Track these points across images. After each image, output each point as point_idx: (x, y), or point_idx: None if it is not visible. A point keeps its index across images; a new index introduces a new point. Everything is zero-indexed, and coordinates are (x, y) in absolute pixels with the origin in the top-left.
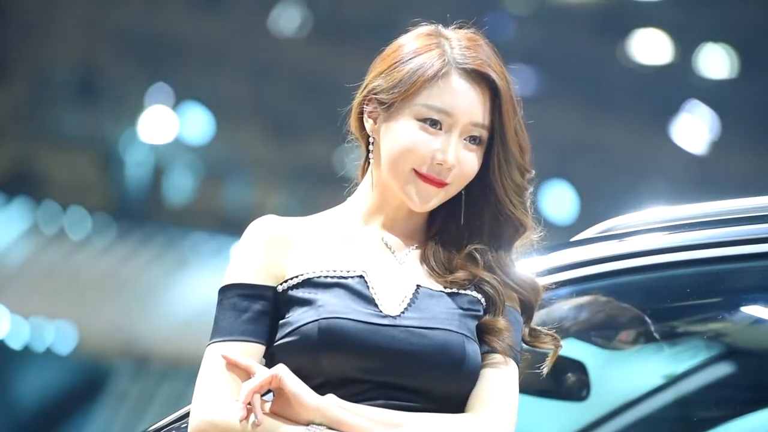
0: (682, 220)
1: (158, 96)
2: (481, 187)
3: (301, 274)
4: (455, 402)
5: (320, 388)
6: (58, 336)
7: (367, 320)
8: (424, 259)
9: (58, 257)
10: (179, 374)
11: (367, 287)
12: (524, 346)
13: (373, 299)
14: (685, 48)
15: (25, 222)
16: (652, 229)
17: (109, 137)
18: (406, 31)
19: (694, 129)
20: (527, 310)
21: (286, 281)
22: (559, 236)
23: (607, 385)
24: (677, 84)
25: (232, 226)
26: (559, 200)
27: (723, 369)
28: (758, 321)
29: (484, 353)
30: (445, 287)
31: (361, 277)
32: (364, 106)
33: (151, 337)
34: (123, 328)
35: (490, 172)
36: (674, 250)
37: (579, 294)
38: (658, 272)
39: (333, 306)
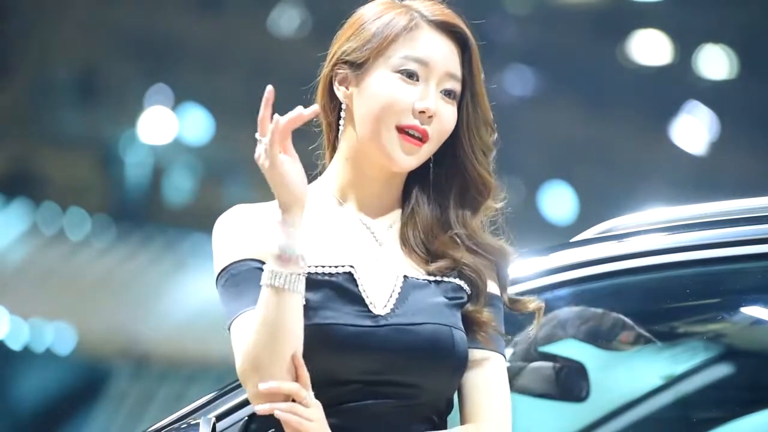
0: (681, 221)
1: (158, 97)
2: (448, 148)
3: None
4: (445, 393)
5: (314, 390)
6: (58, 337)
7: (358, 323)
8: (403, 239)
9: (57, 258)
10: (179, 375)
11: (356, 284)
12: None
13: (363, 298)
14: (685, 49)
15: (25, 223)
16: (652, 230)
17: (109, 138)
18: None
19: (694, 129)
20: (501, 275)
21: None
22: (559, 237)
23: (606, 386)
24: (677, 85)
25: None
26: (558, 201)
27: (722, 370)
28: (758, 322)
29: (470, 348)
30: (429, 274)
31: (349, 273)
32: (335, 71)
33: (151, 338)
34: (122, 328)
35: (460, 129)
36: (674, 250)
37: (579, 295)
38: (657, 273)
39: (323, 310)
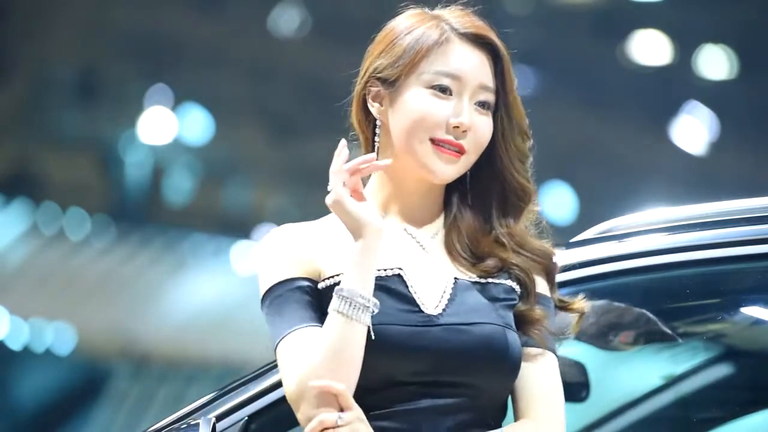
0: (681, 221)
1: (158, 97)
2: (485, 157)
3: (339, 274)
4: (499, 394)
5: (365, 392)
6: (58, 337)
7: (411, 323)
8: (448, 246)
9: (57, 258)
10: (179, 375)
11: (406, 286)
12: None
13: (414, 299)
14: (685, 49)
15: (25, 223)
16: (652, 230)
17: (109, 138)
18: (393, 17)
19: (694, 130)
20: (548, 277)
21: (325, 279)
22: (559, 237)
23: (606, 386)
24: (677, 85)
25: (232, 227)
26: (558, 201)
27: (722, 370)
28: (758, 322)
29: (523, 346)
30: (479, 276)
31: (399, 275)
32: (368, 89)
33: (151, 338)
34: (122, 329)
35: (495, 139)
36: (674, 250)
37: (579, 295)
38: (657, 273)
39: (377, 312)
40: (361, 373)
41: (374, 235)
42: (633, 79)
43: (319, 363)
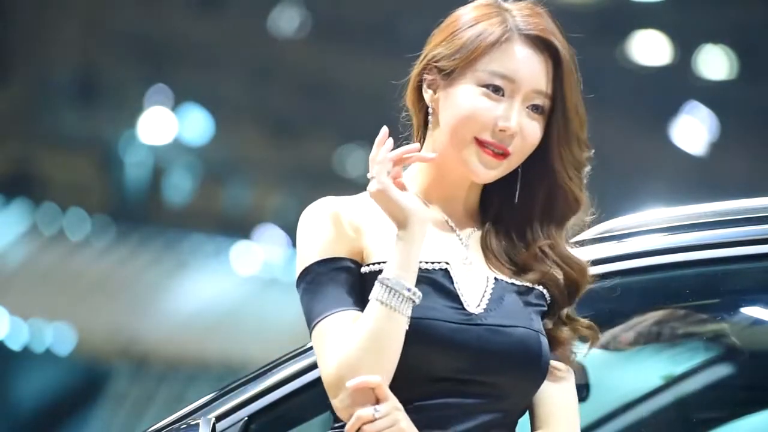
0: (681, 221)
1: (158, 97)
2: (537, 161)
3: (385, 261)
4: (524, 399)
5: (399, 384)
6: (57, 337)
7: (454, 320)
8: (485, 244)
9: (57, 258)
10: (178, 375)
11: (451, 282)
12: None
13: (458, 295)
14: (685, 49)
15: (25, 223)
16: (652, 230)
17: (109, 138)
18: (463, 3)
19: (694, 130)
20: (571, 291)
21: (370, 265)
22: None
23: (606, 386)
24: (676, 85)
25: (232, 227)
26: None
27: (722, 370)
28: (758, 322)
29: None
30: (515, 279)
31: (445, 270)
32: (424, 75)
33: (151, 339)
34: (122, 329)
35: (550, 144)
36: (673, 251)
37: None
38: (657, 273)
39: (420, 305)
40: (402, 365)
41: (420, 226)
42: (633, 80)
43: (359, 352)
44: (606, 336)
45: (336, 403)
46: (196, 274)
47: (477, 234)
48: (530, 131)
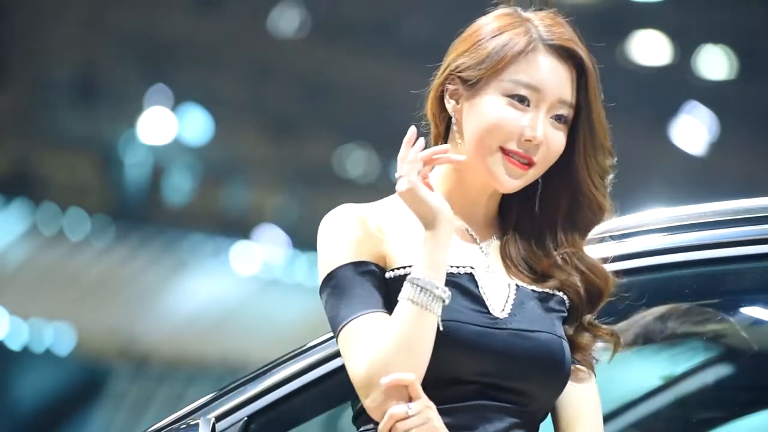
0: (681, 221)
1: (157, 97)
2: (561, 170)
3: (410, 266)
4: (547, 404)
5: (426, 387)
6: (57, 337)
7: (480, 323)
8: (504, 253)
9: (57, 258)
10: (178, 375)
11: (477, 286)
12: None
13: (483, 299)
14: (685, 49)
15: (25, 223)
16: (651, 230)
17: (109, 138)
18: (484, 13)
19: (694, 130)
20: (594, 299)
21: (394, 270)
22: None
23: (606, 386)
24: (676, 85)
25: (231, 227)
26: None
27: (722, 370)
28: (758, 322)
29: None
30: (536, 287)
31: (470, 274)
32: (446, 85)
33: (150, 339)
34: (122, 329)
35: (575, 153)
36: (673, 251)
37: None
38: (657, 273)
39: (447, 308)
40: (429, 367)
41: (448, 226)
42: (632, 80)
43: (391, 352)
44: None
45: (368, 402)
46: (196, 274)
47: (496, 243)
48: (555, 141)
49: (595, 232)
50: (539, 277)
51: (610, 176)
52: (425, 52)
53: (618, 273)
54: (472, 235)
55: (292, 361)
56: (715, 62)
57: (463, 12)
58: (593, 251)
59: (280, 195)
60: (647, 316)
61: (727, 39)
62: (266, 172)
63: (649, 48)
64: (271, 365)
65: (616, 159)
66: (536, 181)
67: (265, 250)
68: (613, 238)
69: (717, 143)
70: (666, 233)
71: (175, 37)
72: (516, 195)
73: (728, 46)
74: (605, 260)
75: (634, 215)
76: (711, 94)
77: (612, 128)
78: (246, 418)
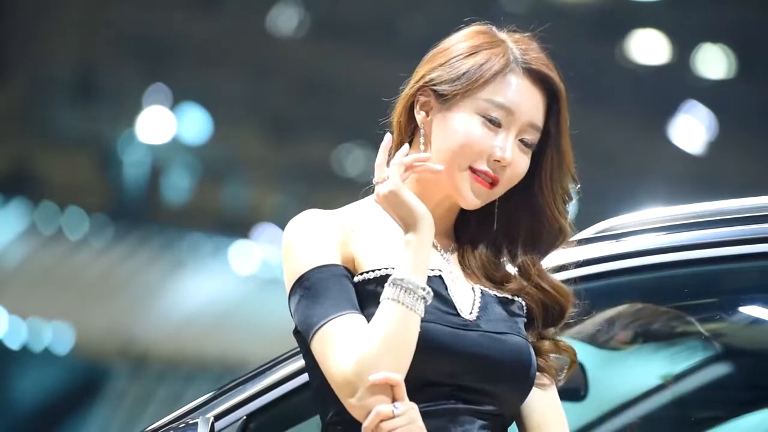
0: (679, 220)
1: (156, 96)
2: (521, 191)
3: (379, 269)
4: (514, 408)
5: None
6: (56, 336)
7: (451, 324)
8: (464, 262)
9: (55, 258)
10: (177, 375)
11: (445, 288)
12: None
13: (452, 301)
14: (683, 48)
15: (23, 222)
16: (650, 229)
17: (107, 138)
18: (456, 30)
19: (692, 129)
20: (556, 315)
21: (363, 273)
22: None
23: (605, 386)
24: (675, 84)
25: (230, 226)
26: None
27: (721, 369)
28: (756, 321)
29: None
30: (498, 292)
31: (440, 277)
32: (418, 96)
33: (149, 338)
34: (121, 328)
35: (541, 177)
36: (672, 250)
37: (577, 294)
38: (655, 272)
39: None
40: None
41: (429, 228)
42: (631, 79)
43: (379, 352)
44: (604, 335)
45: (353, 401)
46: (195, 273)
47: (455, 252)
48: (520, 164)
49: (593, 230)
50: (499, 283)
51: (572, 202)
52: (425, 52)
53: (617, 273)
54: (433, 242)
55: (290, 360)
56: (713, 61)
57: (461, 12)
58: (592, 250)
59: (279, 194)
60: (645, 319)
61: (725, 38)
62: (265, 171)
63: (648, 47)
64: (269, 364)
65: (579, 185)
66: (494, 200)
67: (264, 249)
68: (611, 236)
69: (715, 142)
70: (664, 232)
71: (174, 36)
72: (474, 210)
73: (727, 45)
74: (566, 266)
75: (632, 214)
76: (709, 93)
77: (612, 128)
78: (245, 417)
